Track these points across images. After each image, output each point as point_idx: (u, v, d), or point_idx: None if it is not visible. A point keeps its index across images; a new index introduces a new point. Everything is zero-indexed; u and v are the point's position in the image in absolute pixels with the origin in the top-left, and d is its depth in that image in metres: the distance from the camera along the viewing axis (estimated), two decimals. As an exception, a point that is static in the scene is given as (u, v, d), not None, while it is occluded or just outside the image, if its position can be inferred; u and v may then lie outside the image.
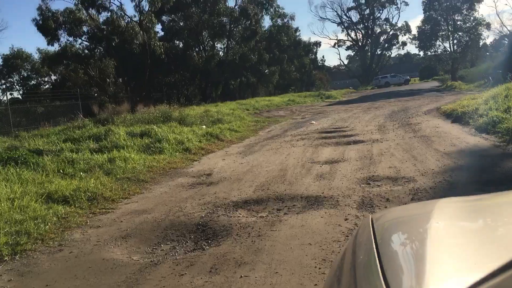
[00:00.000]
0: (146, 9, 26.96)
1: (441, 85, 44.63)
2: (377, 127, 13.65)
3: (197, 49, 36.17)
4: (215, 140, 13.28)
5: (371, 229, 1.43)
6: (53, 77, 44.65)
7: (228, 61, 37.34)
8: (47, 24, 28.32)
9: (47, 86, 44.49)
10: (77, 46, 36.68)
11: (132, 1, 25.86)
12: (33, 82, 44.65)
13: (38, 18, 28.70)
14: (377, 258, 1.18)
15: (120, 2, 38.83)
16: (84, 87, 41.25)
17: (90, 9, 26.90)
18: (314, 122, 18.07)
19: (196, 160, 10.47)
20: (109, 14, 27.61)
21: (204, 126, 18.39)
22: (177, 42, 34.12)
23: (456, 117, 13.01)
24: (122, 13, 27.40)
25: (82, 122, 21.62)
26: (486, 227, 1.43)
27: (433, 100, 24.55)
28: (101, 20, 29.21)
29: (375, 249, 1.24)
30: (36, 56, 44.63)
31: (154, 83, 31.45)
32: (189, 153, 11.13)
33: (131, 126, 14.29)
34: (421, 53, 55.10)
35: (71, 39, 31.03)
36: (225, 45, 38.71)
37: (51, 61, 38.82)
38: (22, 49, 44.69)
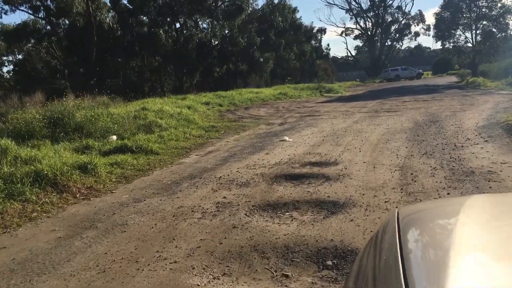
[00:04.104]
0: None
1: (460, 80, 36.52)
2: (399, 174, 6.01)
3: (173, 27, 28.29)
4: (37, 195, 5.71)
5: (396, 224, 1.27)
6: (19, 56, 37.39)
7: (211, 44, 29.58)
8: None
9: (11, 66, 37.36)
10: (40, 20, 29.45)
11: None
12: (-7, 61, 37.32)
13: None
14: (399, 259, 1.05)
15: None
16: (46, 69, 33.87)
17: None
18: (287, 138, 10.42)
19: None
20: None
21: (114, 137, 10.96)
22: (144, 18, 26.28)
23: None
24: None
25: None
26: None
27: (464, 103, 16.75)
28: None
29: (398, 248, 1.11)
30: (-2, 32, 37.26)
31: (110, 68, 23.83)
32: None
33: None
34: (438, 44, 46.64)
35: (6, 7, 23.43)
36: (208, 25, 30.85)
37: (9, 37, 31.55)
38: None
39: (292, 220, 4.46)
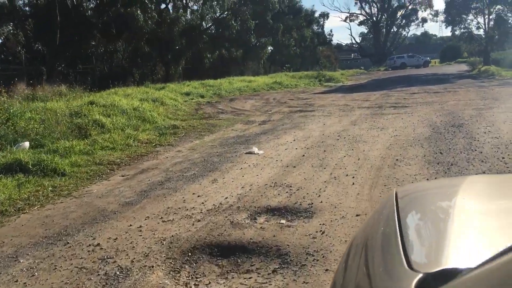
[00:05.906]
0: None
1: (471, 69, 33.03)
2: None
3: (157, 8, 25.03)
4: None
5: (395, 202, 1.28)
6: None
7: (201, 27, 26.36)
8: None
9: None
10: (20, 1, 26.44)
11: None
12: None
13: None
14: (398, 231, 1.06)
15: None
16: (25, 53, 30.80)
17: None
18: (256, 150, 7.32)
19: None
20: None
21: (27, 145, 7.96)
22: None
23: None
24: None
25: None
26: None
27: (485, 96, 13.60)
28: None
29: (397, 222, 1.12)
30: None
31: (83, 53, 20.71)
32: None
33: None
34: (446, 31, 42.97)
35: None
36: (199, 7, 27.55)
37: (-15, 20, 28.56)
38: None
39: None
